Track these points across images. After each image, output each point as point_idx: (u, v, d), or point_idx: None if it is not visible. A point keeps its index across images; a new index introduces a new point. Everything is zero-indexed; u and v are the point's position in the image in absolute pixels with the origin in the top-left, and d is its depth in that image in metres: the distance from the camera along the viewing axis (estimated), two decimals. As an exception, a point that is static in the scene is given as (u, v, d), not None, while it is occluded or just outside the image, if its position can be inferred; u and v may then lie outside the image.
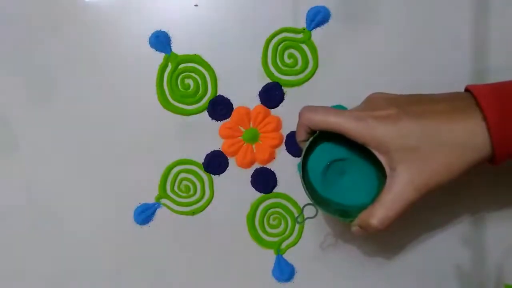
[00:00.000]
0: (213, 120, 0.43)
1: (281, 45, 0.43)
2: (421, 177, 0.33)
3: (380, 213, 0.33)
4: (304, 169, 0.37)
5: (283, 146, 0.43)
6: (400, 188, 0.33)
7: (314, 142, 0.37)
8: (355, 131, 0.33)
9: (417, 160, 0.32)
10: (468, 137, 0.32)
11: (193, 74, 0.43)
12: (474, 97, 0.33)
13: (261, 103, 0.43)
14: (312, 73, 0.43)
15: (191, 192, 0.44)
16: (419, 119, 0.33)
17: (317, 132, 0.36)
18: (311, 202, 0.36)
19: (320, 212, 0.36)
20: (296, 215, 0.43)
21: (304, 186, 0.36)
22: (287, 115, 0.43)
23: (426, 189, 0.33)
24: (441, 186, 0.33)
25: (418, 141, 0.32)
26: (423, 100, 0.34)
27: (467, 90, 0.34)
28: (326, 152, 0.37)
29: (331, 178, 0.37)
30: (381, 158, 0.33)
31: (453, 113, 0.33)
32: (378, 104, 0.34)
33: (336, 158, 0.37)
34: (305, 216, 0.38)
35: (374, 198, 0.35)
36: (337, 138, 0.35)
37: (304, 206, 0.37)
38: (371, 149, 0.34)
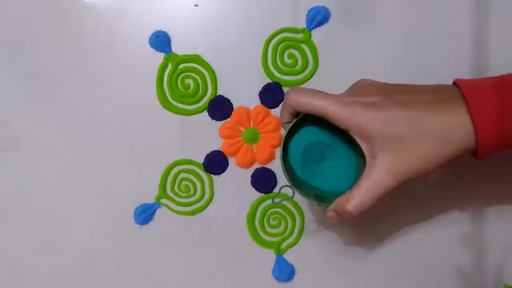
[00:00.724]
0: (213, 120, 0.43)
1: (281, 45, 0.43)
2: (399, 165, 0.32)
3: (356, 199, 0.33)
4: (285, 151, 0.36)
5: (283, 146, 0.43)
6: (378, 176, 0.33)
7: (298, 125, 0.36)
8: (339, 115, 0.33)
9: (397, 149, 0.32)
10: (451, 129, 0.32)
11: (193, 74, 0.43)
12: (460, 90, 0.33)
13: (261, 103, 0.43)
14: (312, 73, 0.43)
15: (191, 192, 0.44)
16: (403, 108, 0.32)
17: (302, 114, 0.35)
18: (288, 184, 0.36)
19: (298, 194, 0.36)
20: (276, 193, 0.43)
21: (284, 167, 0.35)
22: (287, 115, 0.43)
23: (404, 178, 0.33)
24: (419, 176, 0.33)
25: (400, 130, 0.32)
26: (410, 89, 0.34)
27: (455, 84, 0.34)
28: (309, 136, 0.37)
29: (313, 164, 0.37)
30: (362, 145, 0.33)
31: (439, 104, 0.32)
32: (365, 90, 0.34)
33: (318, 140, 0.37)
34: (281, 199, 0.38)
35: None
36: (321, 123, 0.35)
37: (281, 187, 0.37)
38: (353, 135, 0.33)
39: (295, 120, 0.36)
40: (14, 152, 0.44)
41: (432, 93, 0.33)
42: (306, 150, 0.37)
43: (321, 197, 0.36)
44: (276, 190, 0.44)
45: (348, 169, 0.37)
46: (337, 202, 0.34)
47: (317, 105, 0.34)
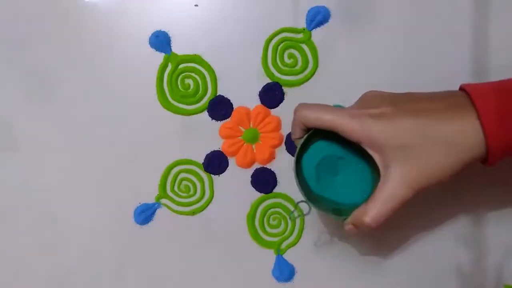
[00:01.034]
0: (213, 120, 0.43)
1: (281, 45, 0.43)
2: (413, 175, 0.32)
3: (373, 211, 0.33)
4: (298, 166, 0.37)
5: (283, 146, 0.43)
6: (393, 187, 0.33)
7: (309, 140, 0.36)
8: (348, 128, 0.33)
9: (410, 158, 0.32)
10: (462, 135, 0.32)
11: (193, 74, 0.43)
12: (469, 95, 0.33)
13: (261, 103, 0.43)
14: (312, 73, 0.43)
15: (191, 192, 0.44)
16: (413, 117, 0.33)
17: (312, 129, 0.36)
18: (304, 199, 0.36)
19: (314, 209, 0.36)
20: (292, 209, 0.43)
21: (298, 183, 0.36)
22: (287, 115, 0.43)
23: (419, 187, 0.33)
24: (434, 185, 0.33)
25: (412, 139, 0.32)
26: (419, 98, 0.34)
27: (462, 89, 0.34)
28: (321, 150, 0.37)
29: (326, 177, 0.37)
30: (375, 156, 0.33)
31: (448, 111, 0.33)
32: (373, 102, 0.34)
33: (330, 154, 0.37)
34: (298, 214, 0.37)
35: (369, 197, 0.35)
36: (332, 137, 0.35)
37: (298, 203, 0.37)
38: (365, 147, 0.34)
39: (306, 135, 0.36)
40: (14, 152, 0.44)
41: (440, 100, 0.33)
42: (319, 164, 0.37)
43: (338, 210, 0.36)
44: (275, 190, 0.44)
45: (362, 181, 0.37)
46: (354, 215, 0.35)
47: (326, 119, 0.34)
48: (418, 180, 0.33)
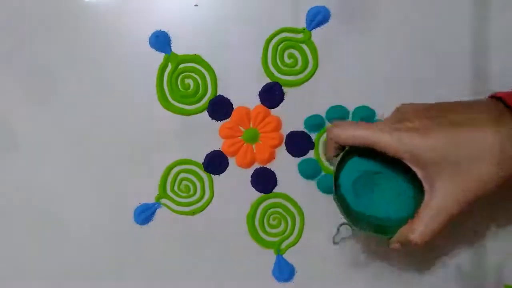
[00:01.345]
0: (213, 120, 0.43)
1: (281, 45, 0.43)
2: (458, 190, 0.32)
3: (420, 229, 0.33)
4: (336, 185, 0.36)
5: (283, 146, 0.43)
6: (439, 203, 0.32)
7: (345, 158, 0.36)
8: (385, 144, 0.33)
9: (453, 172, 0.32)
10: (501, 142, 0.31)
11: (193, 74, 0.43)
12: (502, 102, 0.32)
13: (261, 103, 0.43)
14: (312, 73, 0.43)
15: (191, 192, 0.44)
16: (450, 129, 0.32)
17: (346, 147, 0.35)
18: (346, 222, 0.35)
19: (355, 231, 0.36)
20: (333, 234, 0.40)
21: (338, 203, 0.35)
22: (287, 115, 0.43)
23: (466, 202, 0.32)
24: (481, 197, 0.32)
25: (452, 152, 0.32)
26: (453, 109, 0.33)
27: (493, 97, 0.34)
28: (357, 167, 0.37)
29: (365, 194, 0.37)
30: (417, 171, 0.33)
31: (484, 120, 0.32)
32: (407, 115, 0.34)
33: (368, 170, 0.37)
34: (342, 236, 0.37)
35: (412, 211, 0.34)
36: (369, 153, 0.35)
37: (340, 225, 0.37)
38: (407, 163, 0.33)
39: (341, 153, 0.36)
40: (14, 152, 0.44)
41: (474, 110, 0.33)
42: (357, 181, 0.37)
43: (380, 227, 0.36)
44: (275, 190, 0.44)
45: (403, 195, 0.36)
46: (400, 233, 0.34)
47: (360, 136, 0.34)
48: (465, 194, 0.32)
